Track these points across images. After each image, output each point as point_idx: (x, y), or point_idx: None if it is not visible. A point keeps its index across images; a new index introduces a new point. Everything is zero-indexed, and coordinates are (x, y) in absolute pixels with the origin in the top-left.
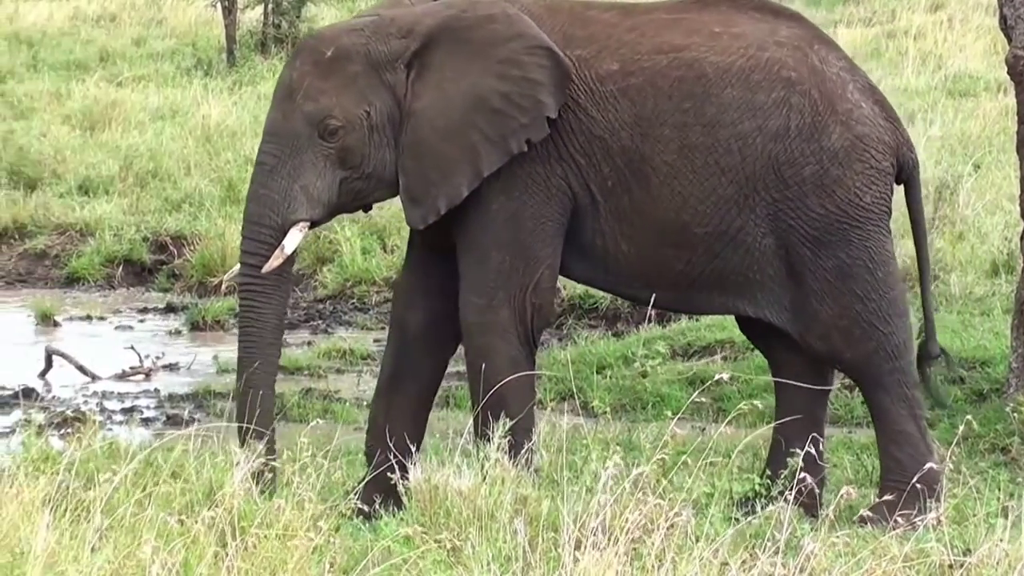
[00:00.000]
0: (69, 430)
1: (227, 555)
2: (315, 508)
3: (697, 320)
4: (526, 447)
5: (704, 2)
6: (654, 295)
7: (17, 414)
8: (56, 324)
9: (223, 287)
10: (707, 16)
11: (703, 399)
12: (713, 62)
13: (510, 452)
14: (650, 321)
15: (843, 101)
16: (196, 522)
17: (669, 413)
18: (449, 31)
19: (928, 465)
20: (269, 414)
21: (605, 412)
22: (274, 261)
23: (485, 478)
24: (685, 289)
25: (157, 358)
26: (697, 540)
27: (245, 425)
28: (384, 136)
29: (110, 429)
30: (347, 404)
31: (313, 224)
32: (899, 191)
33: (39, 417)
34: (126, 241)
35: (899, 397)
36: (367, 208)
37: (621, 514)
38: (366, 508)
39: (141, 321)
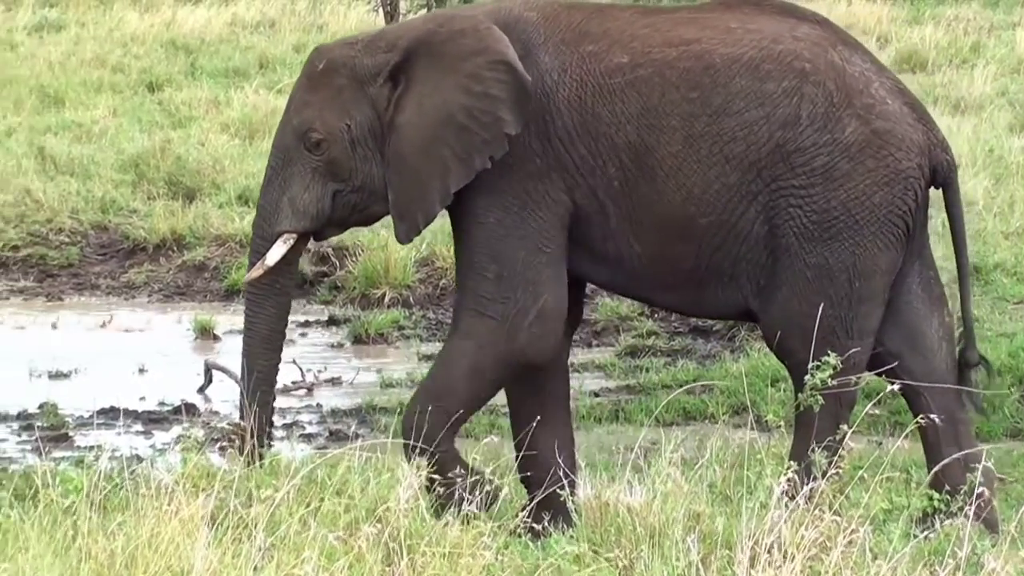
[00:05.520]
0: (229, 446)
1: (393, 573)
2: (484, 526)
3: None
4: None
5: (728, 4)
6: (668, 297)
7: (177, 430)
8: (216, 338)
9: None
10: (728, 15)
11: (879, 412)
12: (723, 53)
13: (406, 452)
14: None
15: (863, 96)
16: (360, 540)
17: (844, 427)
18: (426, 45)
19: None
20: (262, 426)
21: (779, 426)
22: (254, 272)
23: (656, 495)
24: (695, 287)
25: (319, 372)
26: (875, 557)
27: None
28: (367, 149)
29: (271, 445)
30: None
31: (316, 237)
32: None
33: (199, 433)
34: None
35: (829, 412)
36: (370, 221)
37: (797, 531)
38: (536, 526)
39: (303, 334)
